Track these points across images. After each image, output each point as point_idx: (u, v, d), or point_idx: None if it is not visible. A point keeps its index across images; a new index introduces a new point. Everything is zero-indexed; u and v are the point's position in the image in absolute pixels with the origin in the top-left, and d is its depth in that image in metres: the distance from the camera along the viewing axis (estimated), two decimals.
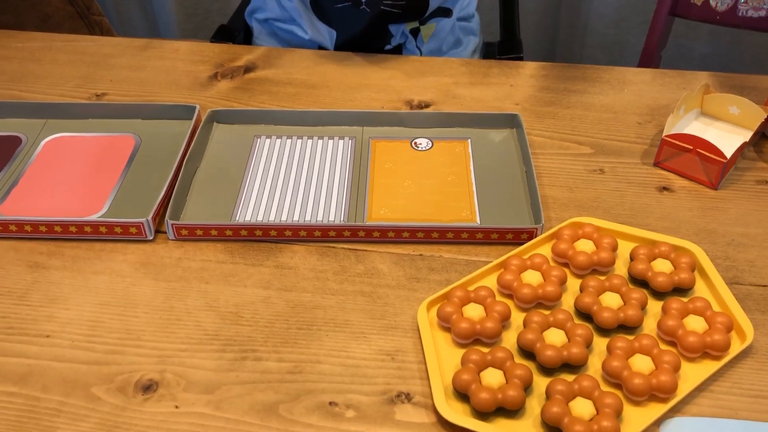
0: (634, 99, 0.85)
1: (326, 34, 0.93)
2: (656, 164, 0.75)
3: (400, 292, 0.61)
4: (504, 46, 1.12)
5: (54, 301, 0.60)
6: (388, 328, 0.58)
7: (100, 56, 0.93)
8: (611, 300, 0.56)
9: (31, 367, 0.55)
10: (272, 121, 0.79)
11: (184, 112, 0.79)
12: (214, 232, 0.65)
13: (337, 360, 0.56)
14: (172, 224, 0.64)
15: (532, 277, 0.59)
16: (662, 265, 0.59)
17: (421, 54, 0.98)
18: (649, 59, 1.39)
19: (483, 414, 0.50)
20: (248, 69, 0.90)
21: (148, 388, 0.54)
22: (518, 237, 0.64)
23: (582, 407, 0.49)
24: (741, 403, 0.52)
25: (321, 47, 0.97)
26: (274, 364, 0.55)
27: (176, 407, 0.52)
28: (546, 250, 0.63)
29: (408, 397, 0.53)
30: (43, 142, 0.78)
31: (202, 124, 0.76)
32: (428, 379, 0.54)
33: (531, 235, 0.64)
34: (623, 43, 1.94)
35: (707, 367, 0.53)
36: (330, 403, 0.53)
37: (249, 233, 0.65)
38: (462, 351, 0.55)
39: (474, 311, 0.56)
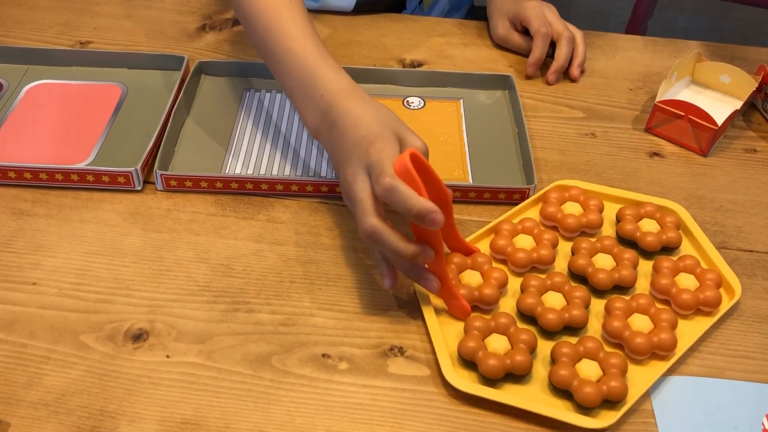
0: (625, 65, 0.85)
1: (345, 3, 0.90)
2: (647, 130, 0.75)
3: None
4: None
5: (40, 249, 0.59)
6: (380, 283, 0.58)
7: (84, 3, 0.90)
8: (604, 261, 0.57)
9: (17, 314, 0.54)
10: (261, 75, 0.78)
11: (173, 62, 0.78)
12: (203, 184, 0.64)
13: (330, 313, 0.55)
14: (161, 174, 0.63)
15: (524, 242, 0.59)
16: (649, 225, 0.60)
17: None
18: (635, 30, 1.39)
19: (491, 381, 0.50)
20: (237, 21, 0.88)
21: (139, 337, 0.53)
22: (510, 197, 0.64)
23: (589, 368, 0.49)
24: (728, 363, 0.53)
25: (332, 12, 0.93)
26: (267, 316, 0.55)
27: (167, 357, 0.52)
28: (533, 213, 0.63)
29: (401, 351, 0.53)
30: (25, 89, 0.75)
31: (189, 75, 0.75)
32: (424, 335, 0.54)
33: (523, 195, 0.64)
34: (607, 12, 1.94)
35: (700, 324, 0.54)
36: (323, 355, 0.53)
37: (239, 186, 0.64)
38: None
39: (471, 278, 0.56)
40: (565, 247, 0.60)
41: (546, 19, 0.81)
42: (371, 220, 0.51)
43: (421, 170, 0.51)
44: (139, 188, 0.65)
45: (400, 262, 0.53)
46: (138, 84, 0.76)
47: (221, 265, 0.59)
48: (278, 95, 0.76)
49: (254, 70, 0.78)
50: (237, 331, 0.54)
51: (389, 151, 0.51)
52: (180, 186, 0.64)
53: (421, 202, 0.49)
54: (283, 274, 0.58)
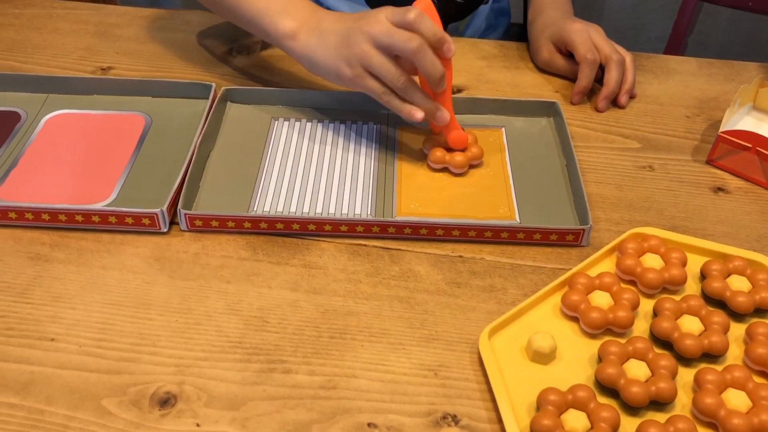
0: (680, 90, 0.80)
1: None
2: (709, 162, 0.70)
3: (440, 299, 0.56)
4: None
5: (58, 299, 0.55)
6: (429, 340, 0.53)
7: (105, 26, 0.86)
8: (690, 324, 0.51)
9: (33, 374, 0.50)
10: (291, 102, 0.73)
11: (199, 90, 0.73)
12: (231, 224, 0.59)
13: (374, 374, 0.50)
14: (185, 214, 0.59)
15: (600, 299, 0.53)
16: (739, 283, 0.54)
17: None
18: (676, 45, 1.33)
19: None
20: (265, 45, 0.84)
21: (166, 402, 0.48)
22: (563, 238, 0.59)
23: None
24: None
25: None
26: (306, 377, 0.50)
27: (197, 425, 0.47)
28: (608, 264, 0.58)
29: (455, 420, 0.48)
30: (44, 119, 0.71)
31: (215, 103, 0.70)
32: (484, 401, 0.48)
33: (577, 236, 0.59)
34: (639, 27, 1.88)
35: None
36: (369, 425, 0.47)
37: (269, 226, 0.59)
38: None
39: None
40: (645, 305, 0.55)
41: (592, 44, 0.76)
42: (416, 39, 0.60)
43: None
44: (165, 230, 0.60)
45: (420, 96, 0.63)
46: (163, 113, 0.72)
47: (254, 317, 0.54)
48: (308, 124, 0.71)
49: (282, 97, 0.73)
50: (273, 395, 0.49)
51: (396, 8, 0.61)
52: (206, 226, 0.59)
53: (441, 31, 0.60)
54: (322, 328, 0.53)
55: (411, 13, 0.60)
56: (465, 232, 0.59)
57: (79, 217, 0.59)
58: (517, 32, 1.03)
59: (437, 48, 0.61)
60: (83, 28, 0.86)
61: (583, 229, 0.59)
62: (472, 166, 0.67)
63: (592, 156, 0.70)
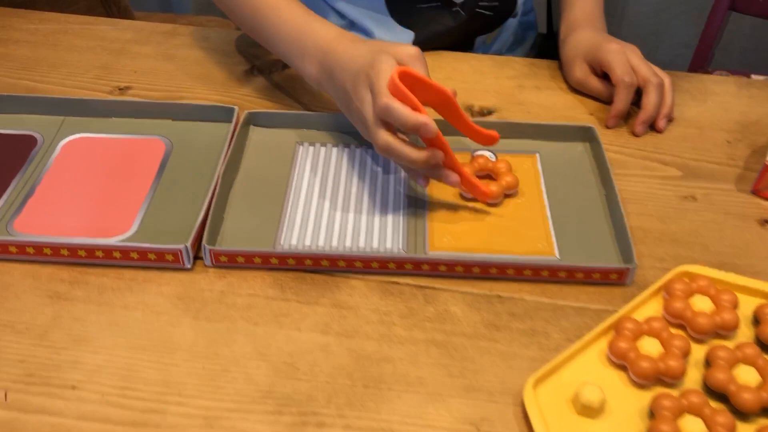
0: (719, 113, 0.76)
1: (403, 37, 0.83)
2: (754, 192, 0.67)
3: (480, 343, 0.53)
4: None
5: (79, 342, 0.52)
6: (469, 390, 0.50)
7: (122, 43, 0.84)
8: (747, 375, 0.48)
9: (55, 427, 0.47)
10: (316, 126, 0.70)
11: (221, 113, 0.70)
12: (257, 260, 0.56)
13: (413, 429, 0.48)
14: (210, 250, 0.56)
15: (650, 346, 0.50)
16: None
17: None
18: (704, 55, 1.30)
19: None
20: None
21: None
22: (606, 277, 0.56)
23: None
24: None
25: None
26: None
27: None
28: (655, 306, 0.55)
29: None
30: (61, 144, 0.69)
31: (239, 126, 0.67)
32: None
33: (621, 276, 0.56)
34: (660, 34, 1.84)
35: None
36: None
37: (297, 262, 0.56)
38: None
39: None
40: (696, 351, 0.51)
41: (629, 66, 0.73)
42: (383, 136, 0.57)
43: (415, 82, 0.57)
44: (189, 267, 0.57)
45: (418, 167, 0.58)
46: (184, 138, 0.69)
47: (284, 363, 0.51)
48: (334, 149, 0.68)
49: (307, 121, 0.70)
50: None
51: (386, 72, 0.56)
52: (231, 262, 0.57)
53: (413, 117, 0.55)
54: (355, 376, 0.51)
55: (378, 106, 0.56)
56: (503, 270, 0.56)
57: (99, 253, 0.57)
58: (542, 43, 1.00)
59: (416, 134, 0.57)
60: (99, 45, 0.83)
61: (628, 269, 0.56)
62: (506, 195, 0.64)
63: (631, 184, 0.67)
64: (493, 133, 0.62)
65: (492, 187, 0.63)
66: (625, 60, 0.73)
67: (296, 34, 0.66)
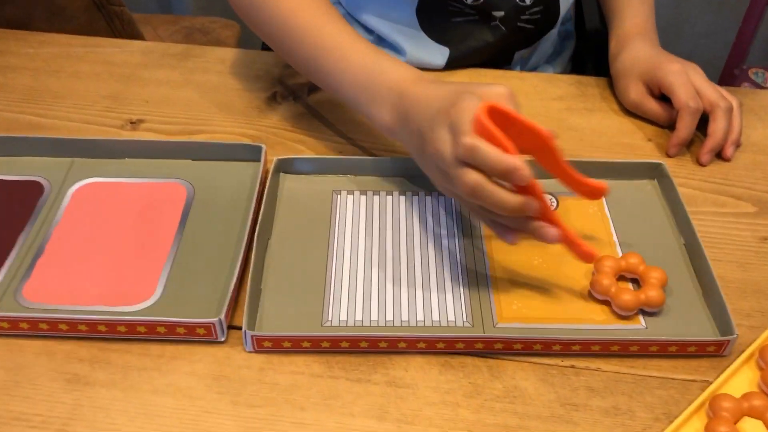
0: None
1: (437, 53, 0.77)
2: None
3: (558, 428, 0.47)
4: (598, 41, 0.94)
5: None
6: None
7: (132, 67, 0.77)
8: None
9: None
10: (352, 171, 0.63)
11: (247, 152, 0.64)
12: (306, 344, 0.50)
13: None
14: (252, 336, 0.49)
15: (752, 429, 0.44)
16: None
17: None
18: (741, 53, 1.23)
19: None
20: (313, 88, 0.74)
21: None
22: (703, 350, 0.50)
23: None
24: None
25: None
26: None
27: None
28: (749, 374, 0.49)
29: None
30: (70, 191, 0.62)
31: (270, 175, 0.61)
32: None
33: (719, 347, 0.50)
34: (681, 24, 1.77)
35: None
36: None
37: (352, 344, 0.50)
38: None
39: None
40: None
41: (693, 89, 0.66)
42: (471, 175, 0.48)
43: (505, 120, 0.48)
44: (223, 339, 0.51)
45: (509, 217, 0.50)
46: (206, 181, 0.63)
47: None
48: (375, 198, 0.61)
49: (342, 166, 0.63)
50: None
51: (470, 110, 0.48)
52: (276, 347, 0.50)
53: (504, 159, 0.47)
54: None
55: (461, 146, 0.47)
56: (587, 346, 0.50)
57: (122, 328, 0.51)
58: (576, 49, 0.93)
59: (506, 180, 0.48)
60: (106, 71, 0.76)
61: (728, 341, 0.49)
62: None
63: (703, 224, 0.60)
64: (601, 184, 0.53)
65: (626, 297, 0.52)
66: (688, 82, 0.66)
67: (366, 76, 0.58)
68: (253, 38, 0.79)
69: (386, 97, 0.56)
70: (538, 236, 0.51)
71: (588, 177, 0.53)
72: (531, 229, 0.50)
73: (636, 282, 0.55)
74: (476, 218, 0.55)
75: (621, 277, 0.55)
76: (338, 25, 0.61)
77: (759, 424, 0.45)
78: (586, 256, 0.52)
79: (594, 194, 0.54)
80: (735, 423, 0.45)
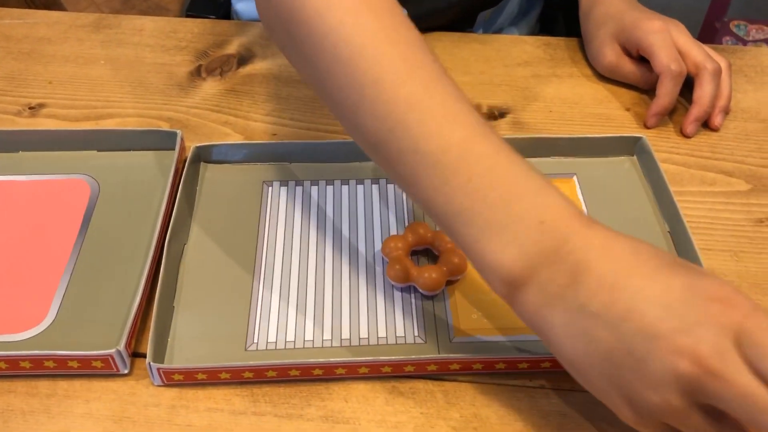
0: None
1: None
2: None
3: None
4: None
5: None
6: None
7: (34, 42, 0.66)
8: None
9: None
10: (286, 158, 0.54)
11: (160, 139, 0.54)
12: (225, 376, 0.41)
13: None
14: (158, 369, 0.41)
15: None
16: None
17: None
18: (722, 5, 1.15)
19: None
20: (243, 59, 0.65)
21: None
22: None
23: None
24: None
25: None
26: None
27: None
28: None
29: None
30: None
31: (186, 165, 0.52)
32: None
33: None
34: None
35: None
36: None
37: (280, 374, 0.42)
38: None
39: None
40: None
41: (675, 50, 0.58)
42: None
43: None
44: (126, 372, 0.43)
45: None
46: (114, 176, 0.53)
47: None
48: (313, 188, 0.53)
49: (277, 152, 0.54)
50: None
51: (762, 313, 0.31)
52: (189, 380, 0.42)
53: None
54: None
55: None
56: (557, 363, 0.42)
57: (3, 365, 0.42)
58: (547, 6, 0.84)
59: None
60: (3, 47, 0.66)
61: None
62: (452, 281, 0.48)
63: (690, 207, 0.53)
64: None
65: (432, 274, 0.45)
66: (670, 42, 0.58)
67: (500, 192, 0.35)
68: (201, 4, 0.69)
69: (528, 229, 0.34)
70: None
71: None
72: None
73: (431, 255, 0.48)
74: None
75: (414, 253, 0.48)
76: (443, 80, 0.38)
77: None
78: None
79: None
80: None
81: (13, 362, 0.42)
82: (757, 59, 0.66)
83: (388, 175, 0.40)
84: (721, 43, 1.16)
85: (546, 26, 0.82)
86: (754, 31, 1.16)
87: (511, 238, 0.34)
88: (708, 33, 1.13)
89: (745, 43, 1.17)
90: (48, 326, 0.45)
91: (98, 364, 0.42)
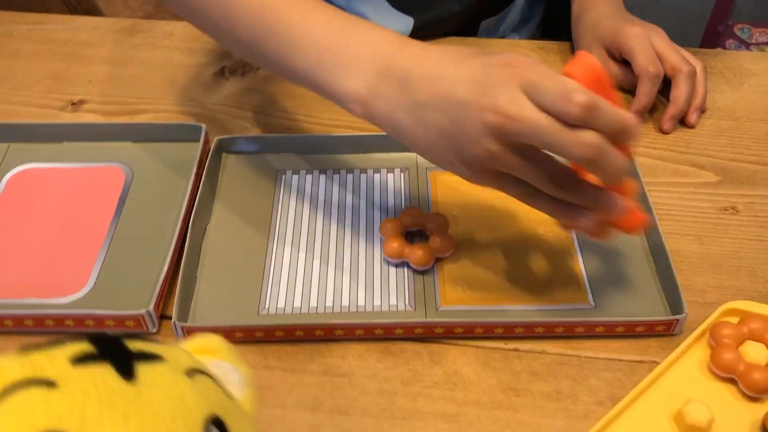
0: (759, 98, 0.67)
1: (400, 23, 0.73)
2: None
3: (497, 414, 0.45)
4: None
5: None
6: None
7: (76, 45, 0.74)
8: None
9: None
10: (299, 149, 0.61)
11: (187, 132, 0.61)
12: (239, 335, 0.48)
13: None
14: (182, 327, 0.48)
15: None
16: None
17: None
18: (726, 8, 1.19)
19: None
20: None
21: None
22: (651, 329, 0.48)
23: None
24: None
25: None
26: None
27: None
28: (699, 354, 0.47)
29: None
30: (6, 177, 0.60)
31: (209, 155, 0.58)
32: None
33: (668, 327, 0.48)
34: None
35: None
36: None
37: (287, 333, 0.48)
38: None
39: None
40: (752, 412, 0.44)
41: (654, 54, 0.63)
42: (590, 136, 0.38)
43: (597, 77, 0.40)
44: (155, 331, 0.50)
45: (591, 193, 0.41)
46: (145, 163, 0.61)
47: None
48: (322, 177, 0.59)
49: (290, 144, 0.61)
50: None
51: (536, 63, 0.40)
52: None
53: (623, 115, 0.39)
54: None
55: (577, 100, 0.37)
56: (531, 328, 0.48)
57: (49, 322, 0.49)
58: (547, 17, 0.90)
59: (618, 141, 0.39)
60: (49, 49, 0.73)
61: (677, 320, 0.47)
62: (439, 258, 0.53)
63: (662, 197, 0.58)
64: (642, 216, 0.44)
65: (422, 251, 0.51)
66: (649, 46, 0.63)
67: (333, 37, 0.45)
68: None
69: (364, 60, 0.44)
70: (617, 212, 0.42)
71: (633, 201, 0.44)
72: (611, 206, 0.42)
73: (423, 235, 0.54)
74: (533, 203, 0.43)
75: (408, 234, 0.54)
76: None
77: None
78: (632, 225, 0.44)
79: (630, 227, 0.44)
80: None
81: (58, 320, 0.49)
82: (736, 62, 0.71)
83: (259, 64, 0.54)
84: (724, 47, 1.20)
85: (549, 32, 0.88)
86: (757, 34, 1.19)
87: (354, 72, 0.44)
88: (711, 36, 1.17)
89: (748, 46, 1.21)
90: (88, 291, 0.52)
91: (130, 323, 0.49)
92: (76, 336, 0.30)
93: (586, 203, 0.42)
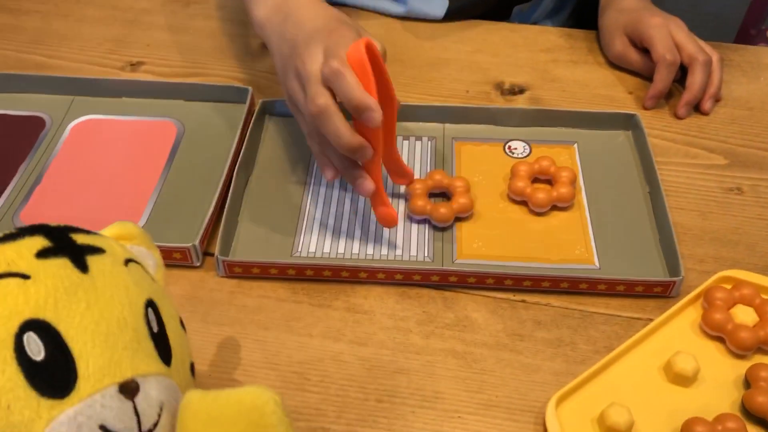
0: None
1: (437, 4, 0.78)
2: None
3: (501, 354, 0.50)
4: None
5: None
6: (488, 407, 0.47)
7: (136, 12, 0.80)
8: None
9: None
10: None
11: (235, 94, 0.67)
12: (273, 271, 0.53)
13: None
14: (223, 261, 0.53)
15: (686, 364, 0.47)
16: None
17: None
18: (759, 12, 1.21)
19: None
20: None
21: None
22: (650, 290, 0.52)
23: None
24: None
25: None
26: None
27: None
28: (693, 314, 0.51)
29: None
30: (69, 126, 0.66)
31: (254, 116, 0.64)
32: None
33: (666, 288, 0.52)
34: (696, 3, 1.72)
35: None
36: None
37: (316, 273, 0.53)
38: None
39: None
40: (736, 368, 0.48)
41: (672, 42, 0.67)
42: (324, 97, 0.49)
43: (374, 65, 0.49)
44: (198, 264, 0.55)
45: (338, 156, 0.52)
46: (196, 120, 0.66)
47: (294, 373, 0.49)
48: None
49: None
50: None
51: (349, 39, 0.51)
52: (246, 273, 0.54)
53: (364, 95, 0.48)
54: (369, 388, 0.48)
55: (328, 66, 0.49)
56: (538, 282, 0.52)
57: None
58: (578, 6, 0.93)
59: (356, 116, 0.49)
60: (111, 15, 0.80)
61: (674, 282, 0.52)
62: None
63: (672, 175, 0.62)
64: (408, 169, 0.59)
65: (441, 210, 0.56)
66: (668, 35, 0.67)
67: None
68: None
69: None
70: (354, 185, 0.53)
71: (401, 158, 0.58)
72: (352, 176, 0.53)
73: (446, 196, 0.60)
74: (309, 143, 0.56)
75: (432, 194, 0.59)
76: None
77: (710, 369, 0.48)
78: (385, 219, 0.55)
79: (401, 177, 0.59)
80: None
81: None
82: (755, 56, 0.74)
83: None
84: None
85: (580, 22, 0.91)
86: None
87: (263, 3, 0.59)
88: (743, 39, 1.19)
89: None
90: (142, 224, 0.57)
91: (177, 255, 0.54)
92: (28, 228, 0.35)
93: (342, 171, 0.53)
